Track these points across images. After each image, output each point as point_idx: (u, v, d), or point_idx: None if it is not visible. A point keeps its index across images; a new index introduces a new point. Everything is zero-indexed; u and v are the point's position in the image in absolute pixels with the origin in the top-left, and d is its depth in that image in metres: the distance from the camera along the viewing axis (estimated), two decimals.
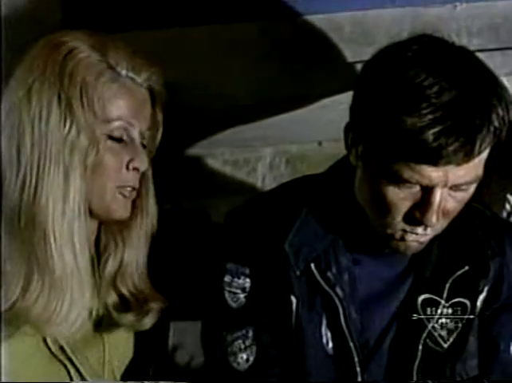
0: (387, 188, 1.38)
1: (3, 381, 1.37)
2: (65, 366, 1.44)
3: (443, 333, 1.50)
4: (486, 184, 1.44)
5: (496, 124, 1.32)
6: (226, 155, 2.22)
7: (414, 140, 1.30)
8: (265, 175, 2.21)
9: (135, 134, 1.41)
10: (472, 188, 1.40)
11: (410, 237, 1.42)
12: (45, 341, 1.41)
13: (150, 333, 1.53)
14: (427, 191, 1.36)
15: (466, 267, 1.50)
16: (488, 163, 1.40)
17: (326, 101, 1.86)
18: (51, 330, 1.39)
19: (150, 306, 1.50)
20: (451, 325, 1.50)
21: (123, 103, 1.40)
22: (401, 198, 1.38)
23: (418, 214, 1.38)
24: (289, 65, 1.80)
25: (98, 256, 1.49)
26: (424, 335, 1.49)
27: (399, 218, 1.40)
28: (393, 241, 1.44)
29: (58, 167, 1.36)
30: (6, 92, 1.40)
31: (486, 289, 1.50)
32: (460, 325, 1.50)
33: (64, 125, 1.36)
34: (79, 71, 1.37)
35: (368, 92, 1.38)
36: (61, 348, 1.43)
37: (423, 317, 1.49)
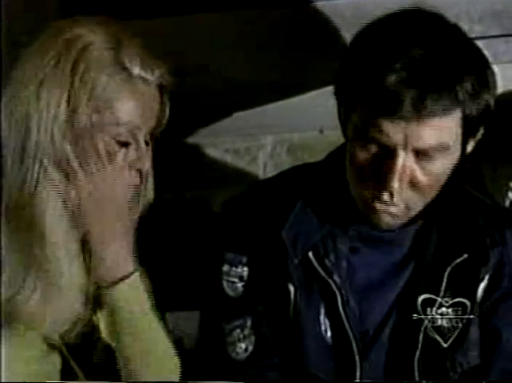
0: (358, 152, 1.39)
1: (3, 380, 1.37)
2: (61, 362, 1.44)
3: (444, 322, 1.49)
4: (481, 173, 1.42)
5: (460, 95, 1.33)
6: (227, 144, 2.22)
7: (375, 86, 1.32)
8: (266, 163, 2.20)
9: (141, 136, 1.40)
10: (443, 161, 1.38)
11: (378, 205, 1.41)
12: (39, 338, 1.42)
13: None
14: (390, 153, 1.36)
15: (465, 255, 1.49)
16: (479, 149, 1.41)
17: (328, 89, 1.85)
18: (43, 329, 1.38)
19: None
20: (452, 314, 1.49)
21: (132, 106, 1.37)
22: (367, 160, 1.38)
23: (381, 178, 1.37)
24: (291, 51, 1.79)
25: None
26: (425, 324, 1.48)
27: (366, 183, 1.40)
28: (367, 212, 1.43)
29: (59, 167, 1.35)
30: (12, 83, 1.38)
31: (486, 277, 1.50)
32: (461, 315, 1.49)
33: (72, 127, 1.35)
34: (90, 71, 1.35)
35: (348, 55, 1.41)
36: (54, 346, 1.43)
37: (422, 315, 1.49)
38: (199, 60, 1.79)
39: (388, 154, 1.36)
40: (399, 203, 1.41)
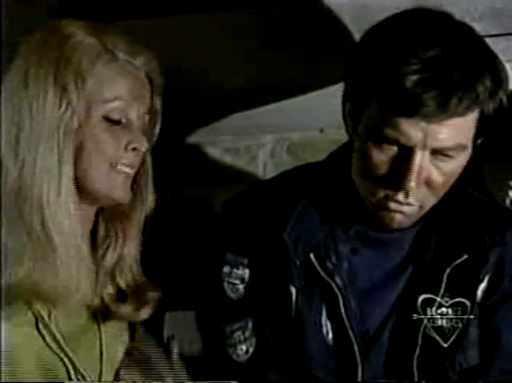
0: (372, 151, 1.38)
1: (3, 380, 1.37)
2: (62, 360, 1.44)
3: (444, 322, 1.49)
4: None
5: (481, 94, 1.33)
6: (227, 143, 2.21)
7: (394, 87, 1.31)
8: (266, 162, 2.20)
9: (134, 116, 1.40)
10: (458, 161, 1.39)
11: (392, 205, 1.40)
12: (40, 333, 1.42)
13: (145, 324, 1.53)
14: (407, 153, 1.36)
15: (465, 256, 1.49)
16: (480, 148, 1.40)
17: (328, 88, 1.85)
18: (59, 305, 1.38)
19: (147, 297, 1.49)
20: (451, 314, 1.49)
21: (121, 82, 1.37)
22: (382, 160, 1.37)
23: (398, 178, 1.37)
24: (291, 51, 1.79)
25: (96, 248, 1.48)
26: (424, 325, 1.48)
27: (380, 182, 1.39)
28: (378, 211, 1.43)
29: (53, 148, 1.35)
30: (6, 80, 1.40)
31: (486, 278, 1.50)
32: (461, 315, 1.49)
33: (60, 107, 1.35)
34: (75, 54, 1.35)
35: (362, 54, 1.40)
36: (57, 341, 1.43)
37: (422, 315, 1.48)
38: (198, 60, 1.78)
39: (405, 153, 1.36)
40: (415, 202, 1.41)
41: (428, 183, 1.39)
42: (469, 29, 1.40)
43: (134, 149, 1.39)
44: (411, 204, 1.41)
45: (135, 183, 1.46)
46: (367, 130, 1.39)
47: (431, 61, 1.31)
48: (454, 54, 1.32)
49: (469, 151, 1.40)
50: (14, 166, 1.35)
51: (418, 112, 1.31)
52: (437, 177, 1.39)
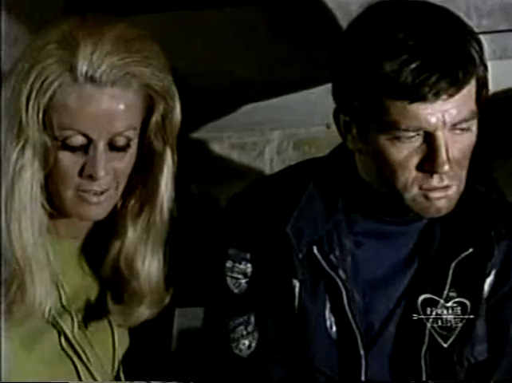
0: (391, 150, 1.38)
1: (3, 380, 1.37)
2: (72, 361, 1.45)
3: (450, 317, 1.48)
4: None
5: (474, 55, 1.36)
6: (234, 138, 2.21)
7: (398, 80, 1.33)
8: (272, 158, 2.20)
9: (97, 143, 1.35)
10: (473, 128, 1.40)
11: (434, 194, 1.40)
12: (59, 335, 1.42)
13: (155, 320, 1.53)
14: (430, 138, 1.37)
15: (471, 249, 1.49)
16: (488, 141, 1.44)
17: None
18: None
19: (158, 295, 1.49)
20: (459, 308, 1.48)
21: (76, 113, 1.34)
22: (407, 155, 1.38)
23: (428, 166, 1.38)
24: (297, 45, 1.78)
25: (101, 243, 1.48)
26: (431, 319, 1.48)
27: (411, 177, 1.39)
28: (420, 205, 1.42)
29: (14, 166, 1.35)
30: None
31: (493, 272, 1.49)
32: (468, 310, 1.49)
33: (18, 138, 1.34)
34: (43, 73, 1.33)
35: (350, 52, 1.41)
36: (69, 342, 1.44)
37: (428, 309, 1.48)
38: (205, 55, 1.78)
39: (428, 139, 1.37)
40: (452, 182, 1.41)
41: (455, 160, 1.39)
42: (443, 9, 1.42)
43: (90, 176, 1.37)
44: (449, 186, 1.40)
45: (143, 185, 1.45)
46: (382, 130, 1.39)
47: (422, 45, 1.34)
48: (443, 33, 1.36)
49: (475, 122, 1.41)
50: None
51: (432, 94, 1.33)
52: (460, 151, 1.39)
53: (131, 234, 1.45)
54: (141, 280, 1.46)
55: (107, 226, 1.47)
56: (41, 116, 1.33)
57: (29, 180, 1.35)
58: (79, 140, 1.35)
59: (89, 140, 1.35)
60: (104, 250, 1.47)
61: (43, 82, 1.32)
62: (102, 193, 1.39)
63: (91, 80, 1.33)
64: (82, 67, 1.33)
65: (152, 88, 1.38)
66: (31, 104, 1.32)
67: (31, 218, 1.36)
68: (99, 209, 1.40)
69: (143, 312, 1.48)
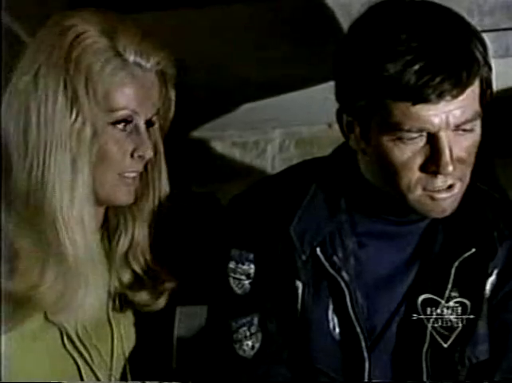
0: (394, 151, 1.38)
1: (3, 380, 1.37)
2: (73, 357, 1.45)
3: (452, 317, 1.48)
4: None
5: (478, 56, 1.35)
6: (235, 137, 2.21)
7: (401, 81, 1.33)
8: (274, 157, 2.20)
9: (141, 122, 1.41)
10: (477, 128, 1.40)
11: (439, 195, 1.40)
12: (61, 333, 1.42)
13: (156, 318, 1.53)
14: (433, 139, 1.36)
15: (473, 250, 1.49)
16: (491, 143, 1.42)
17: None
18: (66, 317, 1.39)
19: (164, 286, 1.50)
20: (460, 308, 1.48)
21: (128, 92, 1.39)
22: (410, 156, 1.38)
23: (432, 167, 1.37)
24: (298, 45, 1.78)
25: (108, 236, 1.49)
26: (432, 320, 1.47)
27: (414, 178, 1.39)
28: (424, 206, 1.42)
29: (65, 155, 1.36)
30: (14, 76, 1.39)
31: (495, 272, 1.49)
32: (469, 310, 1.48)
33: (71, 114, 1.36)
34: (85, 58, 1.36)
35: (353, 52, 1.41)
36: (70, 339, 1.44)
37: (429, 309, 1.48)
38: (206, 54, 1.78)
39: (431, 140, 1.37)
40: (455, 181, 1.40)
41: (459, 159, 1.39)
42: (447, 10, 1.41)
43: (140, 157, 1.40)
44: (453, 185, 1.40)
45: (146, 170, 1.46)
46: (385, 131, 1.38)
47: (425, 46, 1.33)
48: (446, 34, 1.35)
49: (479, 123, 1.41)
50: (23, 168, 1.35)
51: (435, 95, 1.33)
52: (465, 150, 1.39)
53: (146, 219, 1.47)
54: (142, 263, 1.49)
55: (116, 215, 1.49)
56: (99, 97, 1.36)
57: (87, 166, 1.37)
58: (129, 119, 1.39)
59: (132, 121, 1.40)
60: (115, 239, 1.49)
61: (95, 66, 1.36)
62: (137, 175, 1.44)
63: (137, 64, 1.39)
64: (129, 54, 1.38)
65: (167, 74, 1.44)
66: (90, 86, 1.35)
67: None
68: (131, 193, 1.44)
69: (144, 297, 1.49)
